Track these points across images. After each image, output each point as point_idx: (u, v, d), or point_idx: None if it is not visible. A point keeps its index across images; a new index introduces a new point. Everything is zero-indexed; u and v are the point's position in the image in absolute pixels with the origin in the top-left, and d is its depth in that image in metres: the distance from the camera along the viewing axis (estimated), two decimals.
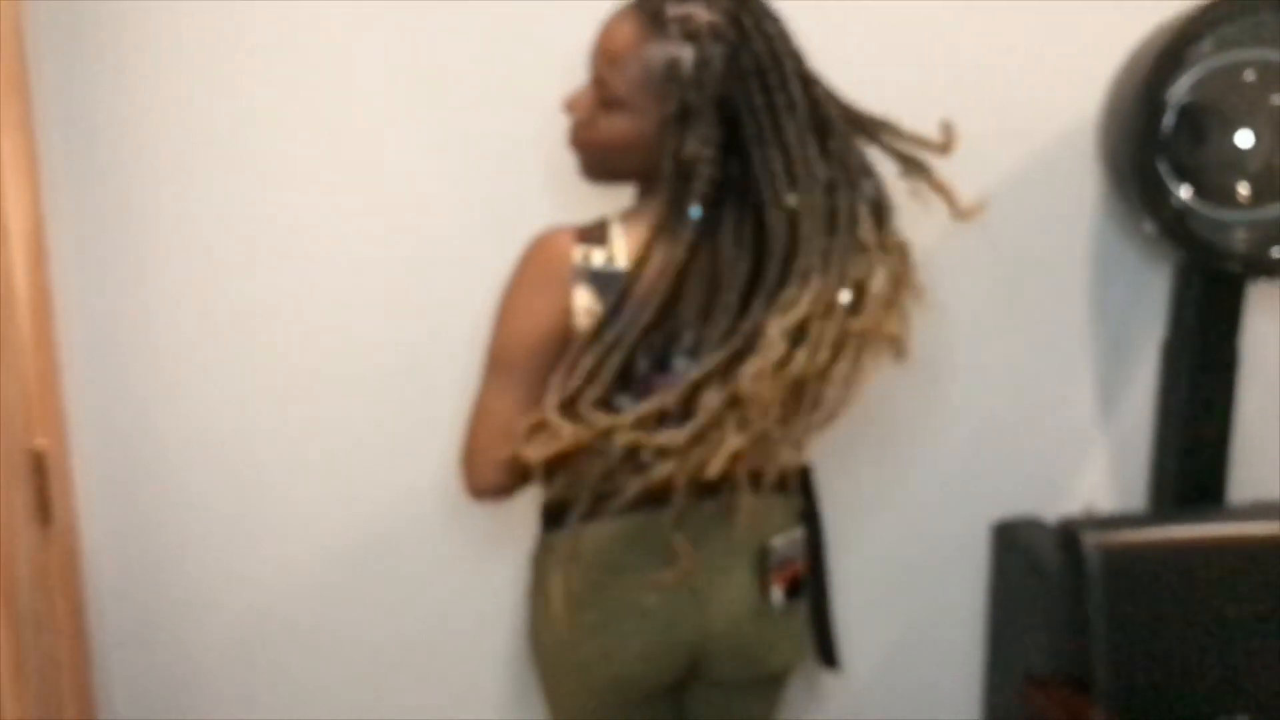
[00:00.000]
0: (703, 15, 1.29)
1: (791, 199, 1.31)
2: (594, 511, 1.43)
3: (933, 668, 2.19)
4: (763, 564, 1.48)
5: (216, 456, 1.94)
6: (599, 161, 1.42)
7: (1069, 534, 1.78)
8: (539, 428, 1.30)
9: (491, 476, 1.39)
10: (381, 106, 1.87)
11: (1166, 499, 2.03)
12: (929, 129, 1.94)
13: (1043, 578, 1.88)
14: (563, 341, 1.36)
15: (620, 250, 1.35)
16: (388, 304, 1.92)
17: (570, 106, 1.41)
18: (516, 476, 1.40)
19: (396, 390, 1.94)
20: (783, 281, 1.30)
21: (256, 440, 1.94)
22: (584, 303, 1.34)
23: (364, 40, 1.84)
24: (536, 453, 1.30)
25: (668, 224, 1.33)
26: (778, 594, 1.50)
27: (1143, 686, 1.75)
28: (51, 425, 1.72)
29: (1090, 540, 1.75)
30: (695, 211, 1.31)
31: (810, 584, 1.58)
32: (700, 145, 1.29)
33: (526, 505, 1.53)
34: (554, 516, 1.49)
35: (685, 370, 1.34)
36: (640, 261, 1.33)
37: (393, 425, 1.96)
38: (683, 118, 1.30)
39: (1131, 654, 1.74)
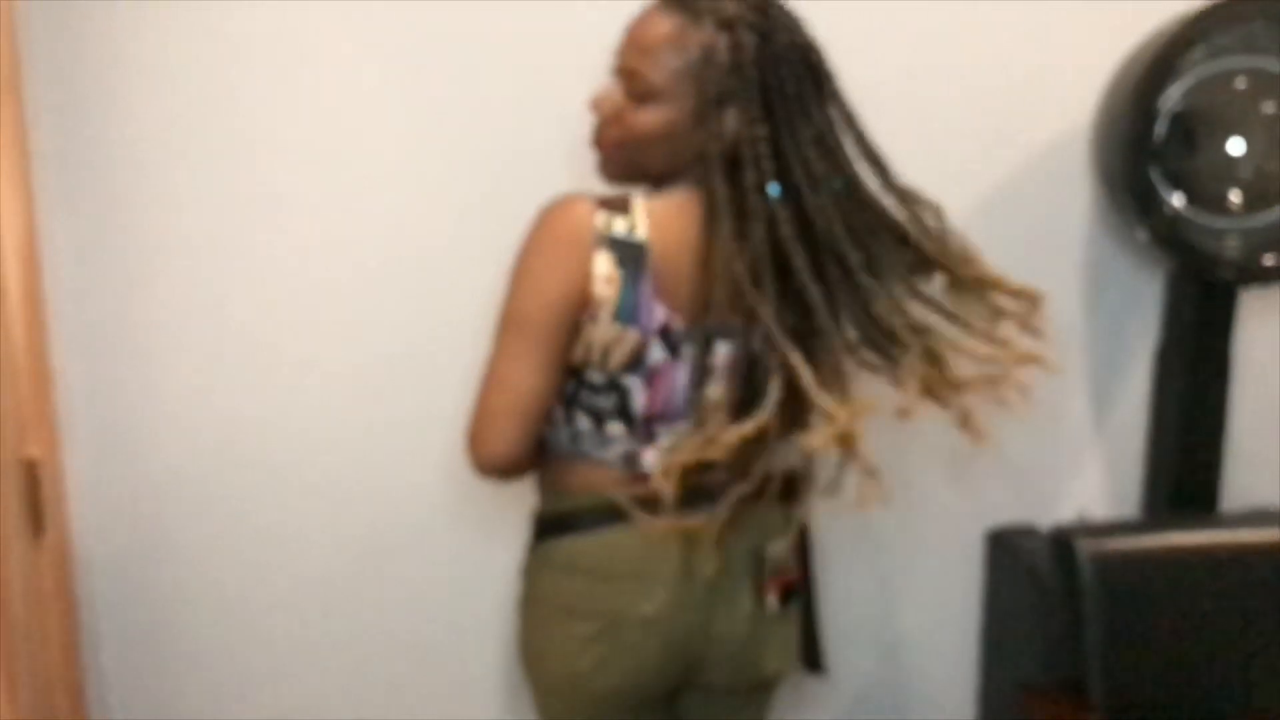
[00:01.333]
0: (733, 7, 1.34)
1: (837, 182, 1.37)
2: (591, 522, 1.43)
3: (928, 676, 2.18)
4: (759, 570, 1.48)
5: (210, 466, 1.94)
6: (626, 158, 1.42)
7: (1063, 541, 1.78)
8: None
9: (503, 447, 1.37)
10: (375, 109, 1.87)
11: (1160, 506, 2.03)
12: (923, 136, 1.95)
13: (1037, 586, 1.88)
14: (579, 308, 1.35)
15: (641, 220, 1.36)
16: (385, 317, 1.92)
17: (597, 105, 1.42)
18: (528, 450, 1.39)
19: (397, 403, 1.94)
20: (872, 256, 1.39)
21: (251, 450, 1.94)
22: (604, 269, 1.34)
23: (360, 45, 1.84)
24: (818, 441, 1.33)
25: (724, 205, 1.35)
26: (773, 600, 1.50)
27: (1138, 694, 1.75)
28: (44, 435, 1.72)
29: (1084, 548, 1.75)
30: (775, 189, 1.35)
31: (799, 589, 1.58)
32: (742, 127, 1.33)
33: (526, 501, 1.53)
34: (546, 528, 1.49)
35: (698, 357, 1.38)
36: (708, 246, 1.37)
37: (392, 437, 1.95)
38: (720, 102, 1.34)
39: (1126, 662, 1.74)
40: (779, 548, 1.50)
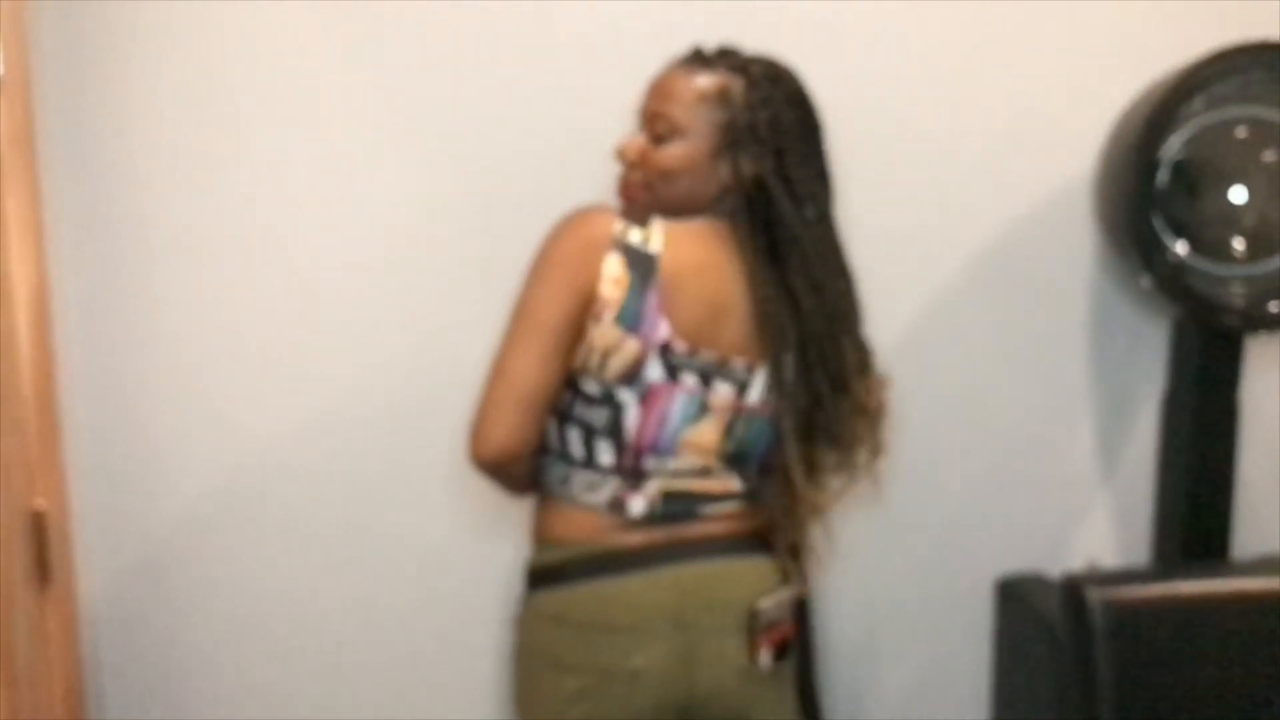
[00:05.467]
0: (744, 60, 1.47)
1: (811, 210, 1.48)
2: (581, 573, 1.43)
3: None
4: (752, 626, 1.47)
5: (217, 520, 1.94)
6: (651, 197, 1.47)
7: (1073, 590, 1.77)
8: None
9: (501, 433, 1.39)
10: (381, 117, 1.89)
11: (1171, 554, 2.02)
12: (927, 186, 1.96)
13: (1048, 634, 1.87)
14: (587, 306, 1.39)
15: (657, 236, 1.42)
16: (394, 347, 1.93)
17: (622, 152, 1.50)
18: (526, 445, 1.40)
19: (410, 433, 1.94)
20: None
21: (260, 504, 1.94)
22: (613, 271, 1.39)
23: (365, 53, 1.87)
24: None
25: (754, 235, 1.45)
26: (766, 656, 1.48)
27: None
28: (52, 486, 1.72)
29: (1095, 596, 1.74)
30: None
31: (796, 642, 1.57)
32: (763, 161, 1.43)
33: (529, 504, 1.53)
34: (537, 579, 1.49)
35: (700, 384, 1.42)
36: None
37: (402, 471, 1.95)
38: (739, 138, 1.43)
39: (1138, 710, 1.72)
40: (773, 602, 1.49)
